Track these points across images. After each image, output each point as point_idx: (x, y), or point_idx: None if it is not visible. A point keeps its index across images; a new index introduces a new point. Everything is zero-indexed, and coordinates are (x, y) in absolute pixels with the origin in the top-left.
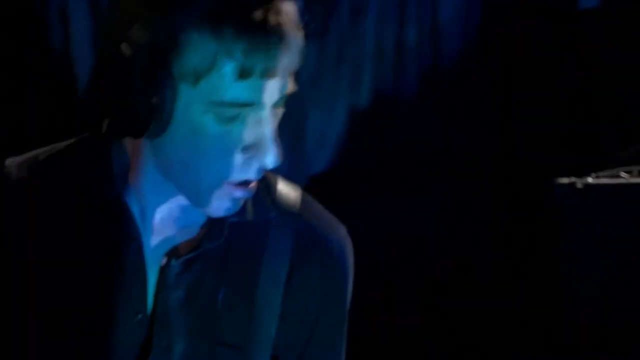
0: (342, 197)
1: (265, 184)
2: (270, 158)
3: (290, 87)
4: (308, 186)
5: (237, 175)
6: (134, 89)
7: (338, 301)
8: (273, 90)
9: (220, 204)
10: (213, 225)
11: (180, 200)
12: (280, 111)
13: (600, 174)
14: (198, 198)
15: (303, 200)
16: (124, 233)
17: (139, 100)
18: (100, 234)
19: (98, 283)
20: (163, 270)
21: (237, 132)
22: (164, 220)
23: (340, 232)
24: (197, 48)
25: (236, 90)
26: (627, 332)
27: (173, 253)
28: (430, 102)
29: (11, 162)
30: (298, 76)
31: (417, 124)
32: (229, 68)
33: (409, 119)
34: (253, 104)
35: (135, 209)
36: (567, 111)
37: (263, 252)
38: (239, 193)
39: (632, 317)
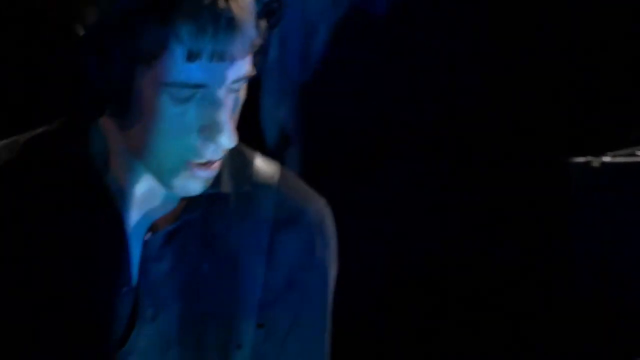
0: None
1: (242, 158)
2: (226, 139)
3: (247, 70)
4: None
5: (197, 156)
6: (90, 70)
7: (320, 270)
8: (225, 73)
9: (184, 184)
10: (190, 197)
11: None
12: (241, 94)
13: (617, 152)
14: (162, 178)
15: (281, 174)
16: (104, 210)
17: (96, 80)
18: (81, 212)
19: (81, 260)
20: (146, 244)
21: (192, 113)
22: (143, 197)
23: (319, 203)
24: (148, 30)
25: (187, 71)
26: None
27: (154, 227)
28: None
29: None
30: (260, 60)
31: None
32: (179, 50)
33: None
34: (204, 85)
35: (114, 187)
36: (583, 89)
37: (243, 223)
38: (202, 173)
39: None
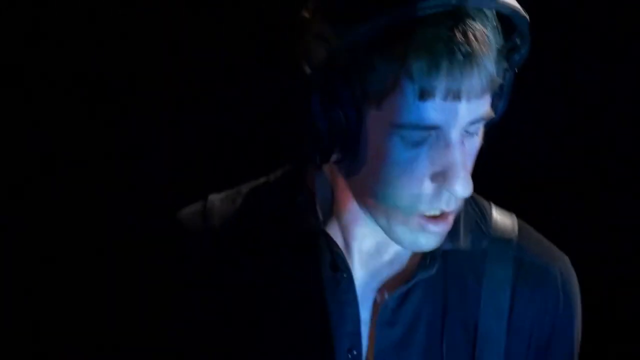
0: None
1: (478, 210)
2: (461, 187)
3: (485, 111)
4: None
5: (428, 206)
6: (316, 111)
7: (565, 334)
8: (460, 113)
9: (414, 239)
10: (424, 254)
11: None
12: (478, 138)
13: None
14: (391, 231)
15: (520, 228)
16: (332, 266)
17: (322, 123)
18: (306, 266)
19: (307, 317)
20: (377, 306)
21: (424, 158)
22: (369, 252)
23: (564, 261)
24: (378, 67)
25: (419, 112)
26: None
27: (385, 287)
28: None
29: (214, 196)
30: (497, 102)
31: None
32: (410, 89)
33: None
34: (438, 127)
35: (339, 240)
36: None
37: (481, 283)
38: (434, 227)
39: None
